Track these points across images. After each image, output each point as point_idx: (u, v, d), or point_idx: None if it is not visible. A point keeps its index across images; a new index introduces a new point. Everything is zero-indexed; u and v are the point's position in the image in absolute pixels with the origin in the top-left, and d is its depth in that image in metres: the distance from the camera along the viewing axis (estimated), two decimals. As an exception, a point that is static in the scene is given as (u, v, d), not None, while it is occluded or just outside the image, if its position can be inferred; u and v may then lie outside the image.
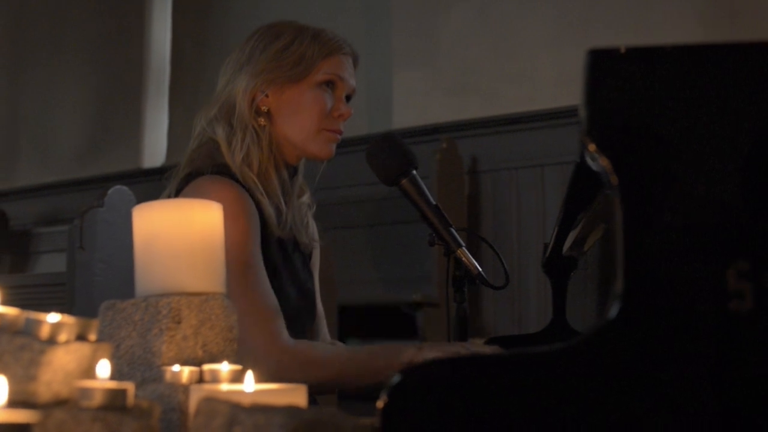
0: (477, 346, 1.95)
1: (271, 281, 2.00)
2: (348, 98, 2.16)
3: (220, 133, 2.07)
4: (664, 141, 1.18)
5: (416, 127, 4.34)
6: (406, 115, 4.49)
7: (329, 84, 2.10)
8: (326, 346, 2.05)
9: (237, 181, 2.02)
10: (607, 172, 1.16)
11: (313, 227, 2.22)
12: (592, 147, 1.17)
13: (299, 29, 2.11)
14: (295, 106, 2.09)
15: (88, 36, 5.81)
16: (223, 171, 2.03)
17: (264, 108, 2.09)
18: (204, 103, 2.17)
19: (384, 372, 1.89)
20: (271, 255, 2.03)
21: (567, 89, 3.94)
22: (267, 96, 2.09)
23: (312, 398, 1.90)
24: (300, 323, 2.11)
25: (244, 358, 1.87)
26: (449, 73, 4.41)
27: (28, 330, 1.08)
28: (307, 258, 2.20)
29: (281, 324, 1.95)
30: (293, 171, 2.16)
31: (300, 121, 2.09)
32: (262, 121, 2.08)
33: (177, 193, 2.04)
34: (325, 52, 2.09)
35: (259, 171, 2.06)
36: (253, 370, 1.90)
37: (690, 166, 1.17)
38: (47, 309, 1.14)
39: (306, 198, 2.19)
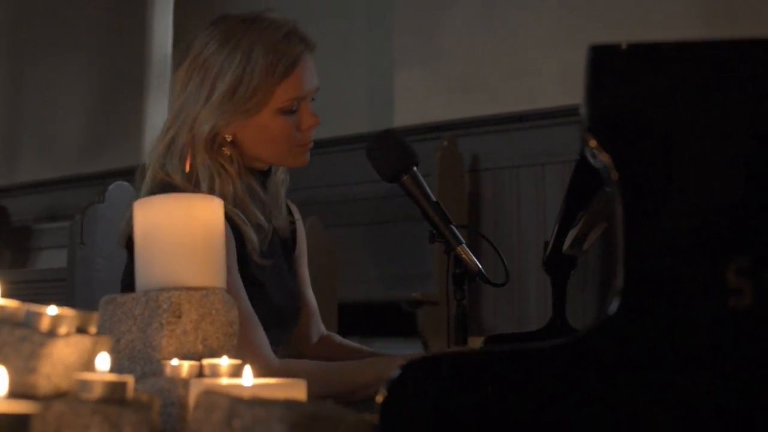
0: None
1: (255, 291, 1.96)
2: (314, 95, 2.06)
3: (178, 178, 1.96)
4: (664, 137, 1.18)
5: (417, 125, 4.34)
6: (407, 113, 4.49)
7: (290, 107, 1.99)
8: (315, 363, 1.98)
9: None
10: (607, 168, 1.16)
11: (288, 206, 2.16)
12: (593, 143, 1.17)
13: (250, 42, 1.97)
14: (261, 136, 1.99)
15: (90, 32, 5.81)
16: None
17: (228, 138, 1.99)
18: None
19: (374, 387, 1.85)
20: (252, 278, 1.98)
21: (569, 87, 3.94)
22: (229, 127, 1.99)
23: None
24: (284, 326, 2.09)
25: None
26: (450, 71, 4.41)
27: (29, 322, 1.08)
28: (289, 246, 2.15)
29: (267, 347, 1.91)
30: (266, 173, 2.09)
31: (268, 147, 2.01)
32: (226, 150, 2.00)
33: None
34: (280, 74, 1.97)
35: (234, 201, 1.98)
36: None
37: (690, 162, 1.17)
38: (47, 304, 1.14)
39: (280, 173, 2.12)
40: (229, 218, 1.90)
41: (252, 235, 1.98)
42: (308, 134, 2.04)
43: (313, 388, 1.87)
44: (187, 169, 1.98)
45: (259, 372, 1.82)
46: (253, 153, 2.02)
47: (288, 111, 1.99)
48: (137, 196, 2.00)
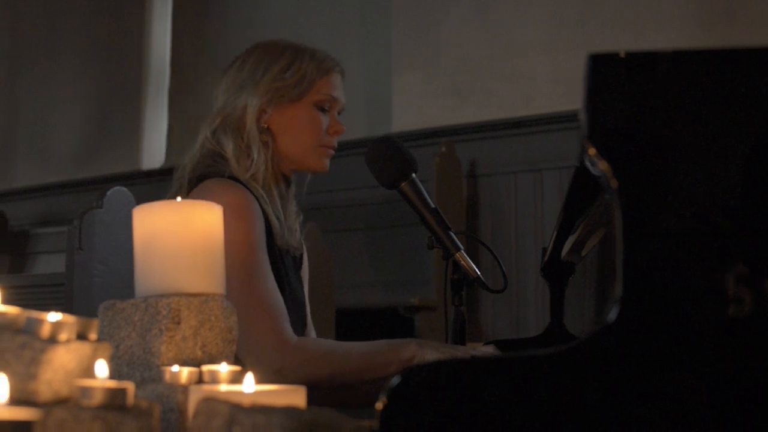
0: (475, 351, 1.96)
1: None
2: (340, 112, 2.24)
3: (230, 147, 2.13)
4: (663, 145, 1.19)
5: (415, 131, 4.35)
6: (405, 119, 4.49)
7: (326, 103, 2.18)
8: (329, 342, 2.08)
9: (247, 189, 2.08)
10: (606, 176, 1.16)
11: (299, 233, 2.26)
12: (592, 151, 1.18)
13: (296, 50, 2.19)
14: (296, 123, 2.16)
15: (88, 37, 5.81)
16: (234, 179, 2.09)
17: (266, 125, 2.16)
18: (203, 106, 2.21)
19: (385, 368, 1.92)
20: (274, 264, 2.07)
21: (567, 93, 3.95)
22: (270, 114, 2.16)
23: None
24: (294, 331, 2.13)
25: (247, 355, 1.90)
26: (448, 77, 4.42)
27: (29, 329, 1.08)
28: (298, 263, 2.24)
29: (286, 322, 1.99)
30: (288, 182, 2.22)
31: (300, 139, 2.16)
32: (264, 137, 2.15)
33: (187, 194, 2.09)
34: (322, 71, 2.18)
35: (264, 184, 2.12)
36: (257, 368, 1.91)
37: (689, 170, 1.18)
38: (46, 309, 1.14)
39: (294, 206, 2.24)
40: (257, 198, 2.08)
41: (275, 220, 2.10)
42: (333, 139, 2.20)
43: (330, 367, 1.94)
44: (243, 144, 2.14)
45: (279, 354, 1.90)
46: (284, 145, 2.16)
47: (322, 106, 2.17)
48: (182, 168, 2.16)
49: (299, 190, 2.27)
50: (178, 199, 1.46)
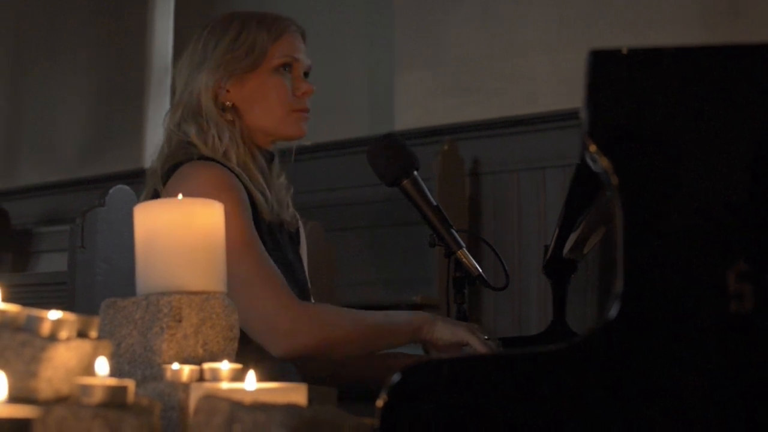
0: (486, 335, 1.95)
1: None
2: (306, 74, 2.17)
3: (192, 132, 2.08)
4: (664, 142, 1.18)
5: (418, 129, 4.35)
6: (407, 117, 4.49)
7: (286, 67, 2.12)
8: (338, 308, 2.03)
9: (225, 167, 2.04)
10: (607, 173, 1.16)
11: (292, 208, 2.22)
12: (593, 148, 1.17)
13: (244, 18, 2.13)
14: (258, 95, 2.11)
15: (90, 35, 5.81)
16: (208, 158, 2.04)
17: (228, 103, 2.10)
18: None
19: (395, 337, 1.92)
20: (263, 239, 2.02)
21: (569, 91, 3.94)
22: (228, 91, 2.10)
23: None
24: None
25: (257, 325, 1.87)
26: (451, 74, 4.41)
27: (30, 327, 1.08)
28: (295, 239, 2.20)
29: (289, 290, 1.95)
30: (270, 156, 2.17)
31: (267, 109, 2.11)
32: (229, 116, 2.10)
33: (164, 186, 2.03)
34: (273, 35, 2.11)
35: (239, 162, 2.07)
36: (268, 336, 1.90)
37: (691, 167, 1.17)
38: (48, 308, 1.14)
39: (283, 179, 2.20)
40: (237, 176, 2.03)
41: (258, 195, 2.05)
42: (303, 100, 2.13)
43: (342, 330, 1.92)
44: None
45: (290, 320, 1.87)
46: (252, 119, 2.11)
47: (282, 70, 2.11)
48: (153, 166, 2.12)
49: (286, 160, 2.23)
50: (180, 196, 1.45)
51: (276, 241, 2.09)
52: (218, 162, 2.03)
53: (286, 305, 1.91)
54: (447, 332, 1.91)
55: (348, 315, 1.96)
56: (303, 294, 2.12)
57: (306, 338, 1.88)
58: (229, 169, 2.03)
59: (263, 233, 2.03)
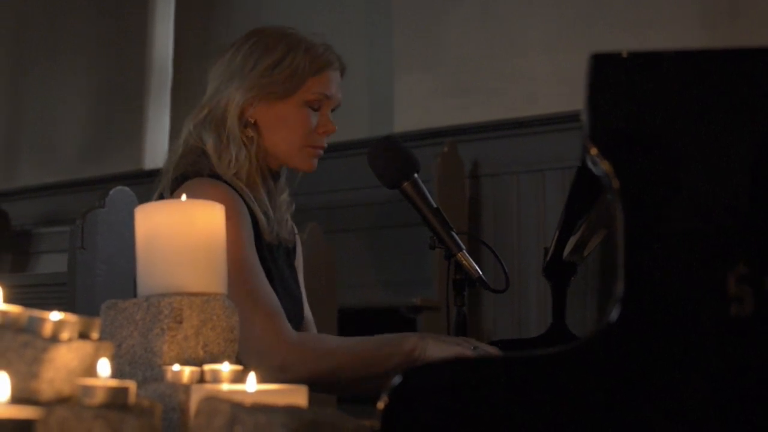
0: (477, 342, 1.94)
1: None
2: (334, 110, 2.17)
3: (210, 143, 2.08)
4: (665, 145, 1.19)
5: (418, 131, 4.35)
6: (407, 119, 4.49)
7: (316, 102, 2.11)
8: (330, 337, 2.05)
9: (230, 186, 2.05)
10: (608, 176, 1.16)
11: (290, 223, 2.23)
12: (593, 151, 1.18)
13: (291, 43, 2.10)
14: (281, 121, 2.10)
15: (90, 36, 5.82)
16: (217, 176, 2.05)
17: (252, 120, 2.10)
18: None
19: (388, 361, 1.91)
20: (263, 261, 2.04)
21: (569, 93, 3.94)
22: (256, 108, 2.10)
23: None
24: None
25: (248, 356, 1.88)
26: (451, 76, 4.42)
27: (31, 328, 1.08)
28: (291, 255, 2.21)
29: (284, 320, 1.96)
30: (276, 176, 2.18)
31: (285, 137, 2.10)
32: (249, 132, 2.09)
33: (171, 194, 2.04)
34: (314, 68, 2.09)
35: (248, 181, 2.07)
36: (258, 368, 1.90)
37: (691, 170, 1.18)
38: (48, 309, 1.14)
39: (285, 196, 2.20)
40: (242, 195, 2.04)
41: (261, 216, 2.06)
42: (323, 139, 2.13)
43: (333, 361, 1.92)
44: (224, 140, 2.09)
45: (281, 353, 1.88)
46: (269, 141, 2.10)
47: (313, 105, 2.10)
48: (166, 166, 2.13)
49: (290, 181, 2.22)
50: (184, 197, 1.45)
51: (274, 261, 2.10)
52: (226, 182, 2.04)
53: (280, 340, 1.92)
54: (438, 350, 1.90)
55: (340, 345, 1.97)
56: (297, 310, 2.15)
57: (298, 372, 1.90)
58: (236, 189, 2.04)
59: (263, 255, 2.04)
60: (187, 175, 2.05)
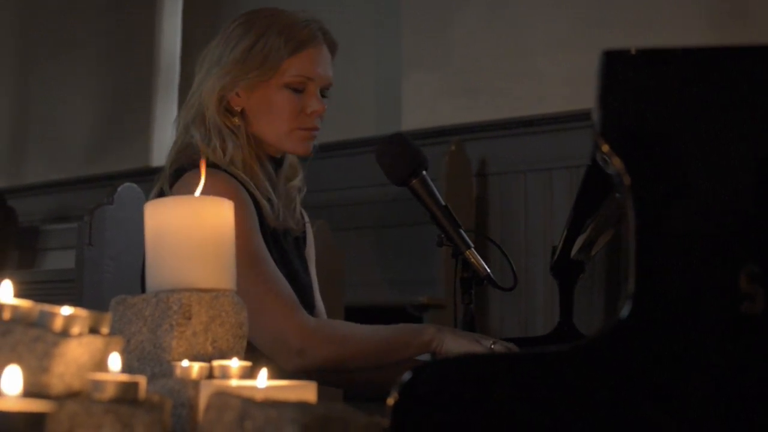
0: (492, 340, 1.93)
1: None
2: (325, 89, 2.09)
3: (197, 137, 2.04)
4: (676, 142, 1.19)
5: (425, 129, 4.35)
6: (415, 117, 4.49)
7: (297, 84, 2.04)
8: (347, 323, 2.03)
9: (230, 175, 2.02)
10: (619, 173, 1.16)
11: (300, 209, 2.20)
12: (605, 148, 1.18)
13: (267, 23, 2.03)
14: (265, 107, 2.04)
15: (98, 33, 5.82)
16: (215, 165, 2.01)
17: (237, 108, 2.05)
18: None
19: (404, 350, 1.90)
20: (267, 246, 2.01)
21: (577, 92, 3.94)
22: (238, 95, 2.05)
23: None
24: None
25: (265, 343, 1.87)
26: (459, 75, 4.42)
27: (42, 322, 1.08)
28: (301, 244, 2.19)
29: (299, 305, 1.94)
30: (279, 161, 2.13)
31: (271, 123, 2.05)
32: (236, 120, 2.05)
33: (170, 189, 2.02)
34: (291, 48, 2.02)
35: (244, 168, 2.03)
36: (276, 354, 1.89)
37: (702, 167, 1.17)
38: (56, 305, 1.14)
39: (297, 181, 2.17)
40: (242, 183, 2.00)
41: (264, 202, 2.03)
42: (312, 119, 2.06)
43: (350, 347, 1.91)
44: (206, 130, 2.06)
45: (299, 338, 1.87)
46: (257, 128, 2.06)
47: (294, 88, 2.03)
48: (167, 159, 2.10)
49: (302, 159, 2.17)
50: (197, 193, 1.45)
51: (281, 248, 2.08)
52: (223, 169, 2.01)
53: (297, 324, 1.90)
54: (456, 345, 1.89)
55: (358, 331, 1.95)
56: (306, 298, 2.11)
57: (316, 356, 1.89)
58: (234, 176, 2.01)
59: (268, 241, 2.01)
60: (185, 167, 2.02)
